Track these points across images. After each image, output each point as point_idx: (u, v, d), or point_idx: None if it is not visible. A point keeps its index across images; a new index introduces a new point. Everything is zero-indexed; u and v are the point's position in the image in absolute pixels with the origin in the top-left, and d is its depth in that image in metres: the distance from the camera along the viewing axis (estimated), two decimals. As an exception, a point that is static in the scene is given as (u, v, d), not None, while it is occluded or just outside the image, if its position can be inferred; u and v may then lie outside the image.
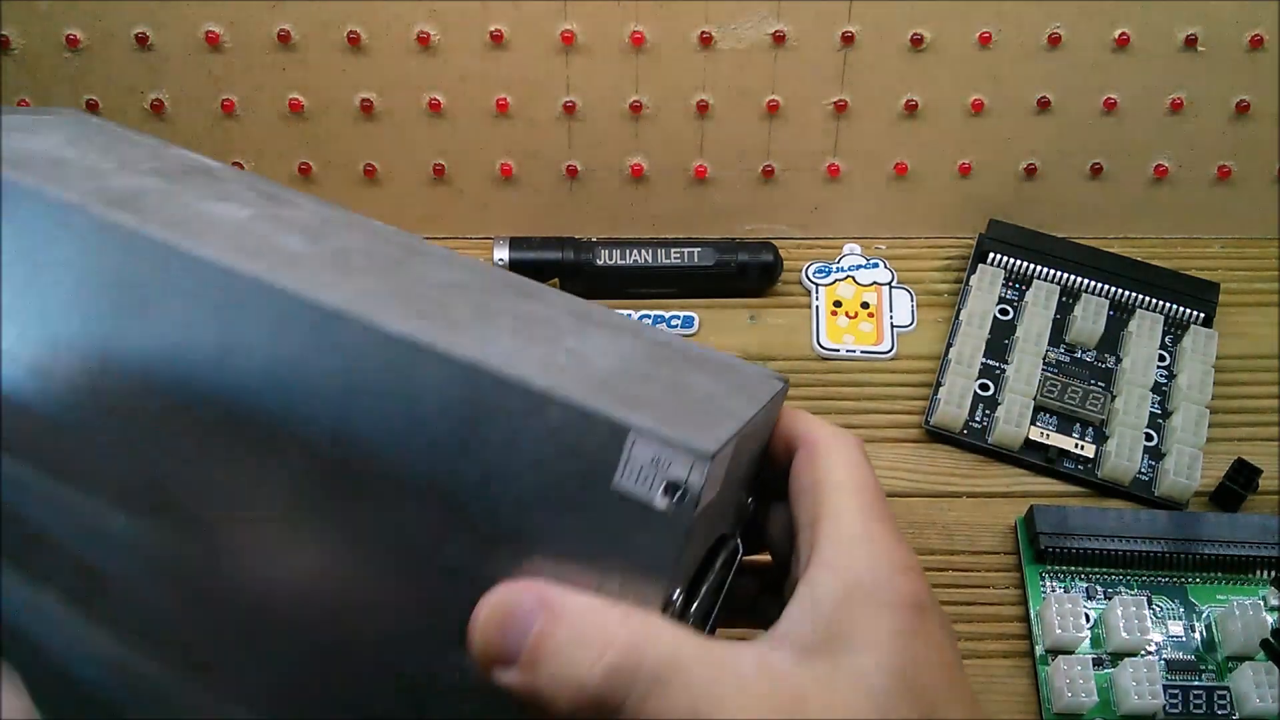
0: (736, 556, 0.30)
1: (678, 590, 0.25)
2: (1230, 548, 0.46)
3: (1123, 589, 0.46)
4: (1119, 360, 0.53)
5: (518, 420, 0.25)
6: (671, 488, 0.24)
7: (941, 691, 0.25)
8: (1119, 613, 0.44)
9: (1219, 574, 0.46)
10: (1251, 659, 0.44)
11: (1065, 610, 0.44)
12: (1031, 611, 0.45)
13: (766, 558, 0.33)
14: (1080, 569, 0.46)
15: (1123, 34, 0.53)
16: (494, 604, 0.24)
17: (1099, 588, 0.46)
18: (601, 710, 0.23)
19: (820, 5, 0.52)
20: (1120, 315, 0.54)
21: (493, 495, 0.25)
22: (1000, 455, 0.51)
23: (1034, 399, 0.51)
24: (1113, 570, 0.46)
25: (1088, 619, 0.44)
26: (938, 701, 0.25)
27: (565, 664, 0.23)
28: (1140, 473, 0.49)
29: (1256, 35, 0.53)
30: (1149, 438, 0.50)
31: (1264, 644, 0.43)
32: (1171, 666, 0.44)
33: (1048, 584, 0.46)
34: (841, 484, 0.28)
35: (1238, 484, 0.48)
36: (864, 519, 0.27)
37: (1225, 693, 0.43)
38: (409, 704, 0.26)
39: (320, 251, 0.29)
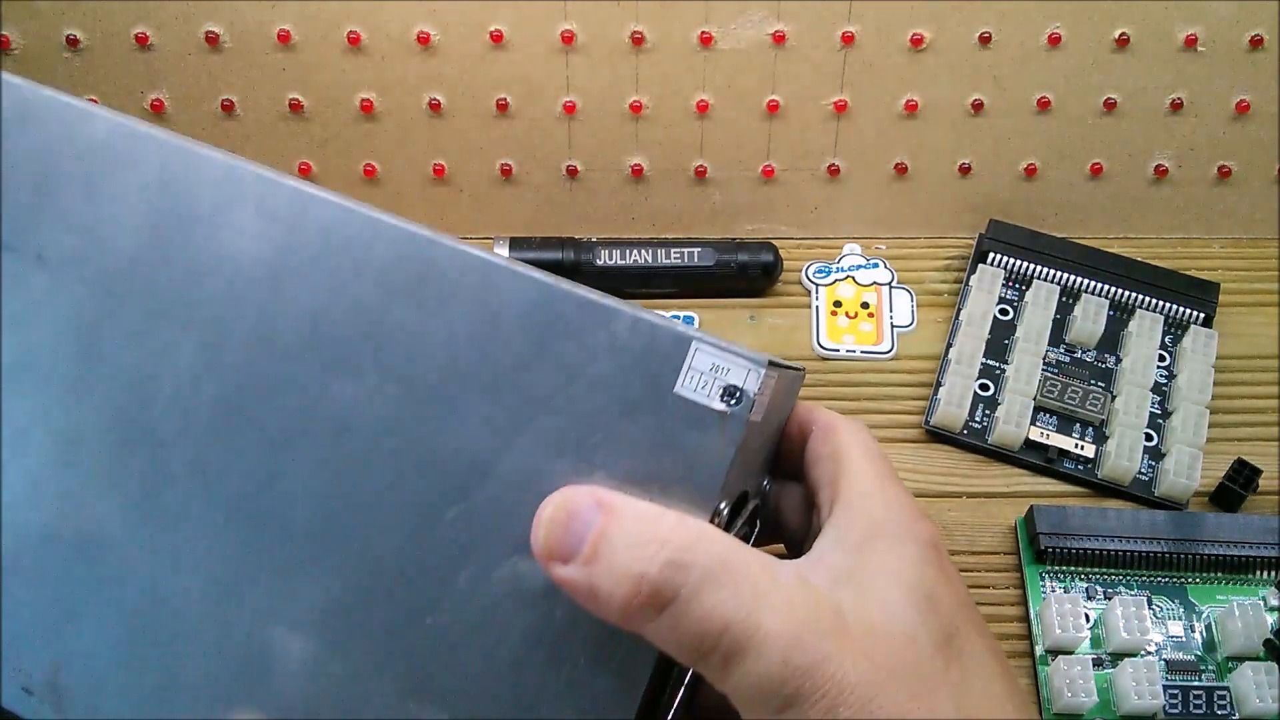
0: (758, 518, 0.31)
1: (725, 502, 0.27)
2: (1230, 548, 0.46)
3: (1122, 589, 0.46)
4: (1119, 360, 0.53)
5: (589, 332, 0.27)
6: (729, 392, 0.27)
7: (960, 616, 0.27)
8: (1119, 613, 0.44)
9: (1219, 574, 0.46)
10: (1252, 659, 0.44)
11: (1065, 610, 0.44)
12: (1031, 611, 0.45)
13: (779, 547, 0.34)
14: (1080, 569, 0.46)
15: (1123, 34, 0.53)
16: (557, 504, 0.26)
17: (1099, 588, 0.46)
18: (655, 601, 0.24)
19: (820, 5, 0.52)
20: (1120, 315, 0.54)
21: (561, 403, 0.27)
22: (1000, 455, 0.51)
23: (1034, 399, 0.51)
24: (1113, 570, 0.46)
25: (1088, 619, 0.44)
26: (958, 624, 0.27)
27: (624, 559, 0.25)
28: (1140, 473, 0.49)
29: (1256, 35, 0.53)
30: (1149, 438, 0.50)
31: (1266, 644, 0.43)
32: (1171, 667, 0.44)
33: (1048, 584, 0.46)
34: (856, 451, 0.30)
35: (1238, 484, 0.48)
36: (879, 477, 0.30)
37: (1225, 693, 0.43)
38: (465, 613, 0.28)
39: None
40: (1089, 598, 0.46)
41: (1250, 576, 0.46)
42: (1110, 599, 0.45)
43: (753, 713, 0.25)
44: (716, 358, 0.27)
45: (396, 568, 0.28)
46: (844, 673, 0.24)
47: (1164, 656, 0.44)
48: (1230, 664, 0.44)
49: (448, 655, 0.28)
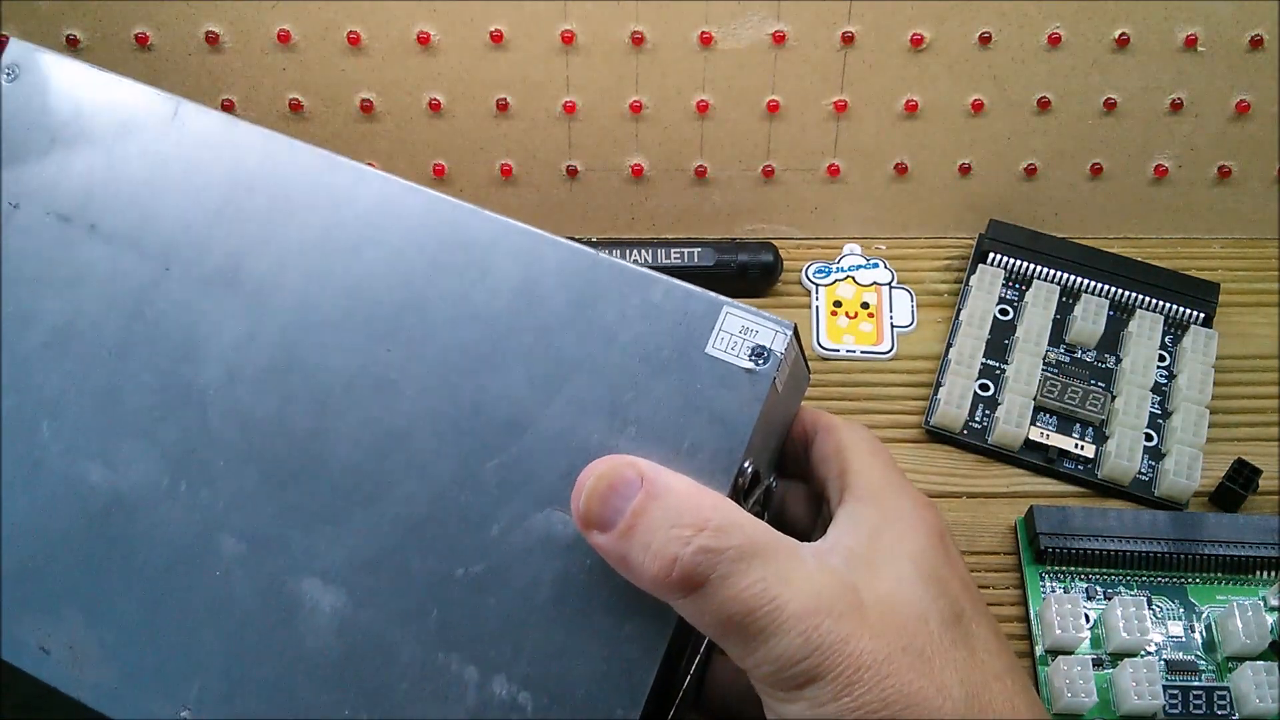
0: (767, 506, 0.33)
1: (749, 461, 0.28)
2: (1230, 548, 0.46)
3: (1122, 589, 0.46)
4: (1119, 360, 0.53)
5: (626, 297, 0.29)
6: (757, 351, 0.29)
7: (965, 598, 0.28)
8: (1119, 613, 0.44)
9: (1219, 574, 0.46)
10: (1251, 659, 0.43)
11: (1065, 610, 0.44)
12: (1031, 612, 0.45)
13: None
14: (1080, 569, 0.46)
15: (1123, 34, 0.53)
16: (600, 474, 0.27)
17: (1099, 588, 0.46)
18: (686, 582, 0.26)
19: (820, 5, 0.52)
20: (1120, 315, 0.54)
21: (597, 363, 0.29)
22: (1000, 455, 0.51)
23: (1034, 399, 0.51)
24: (1112, 570, 0.46)
25: (1087, 619, 0.44)
26: (964, 605, 0.28)
27: (660, 538, 0.26)
28: (1140, 473, 0.49)
29: (1256, 35, 0.53)
30: (1149, 438, 0.50)
31: (1272, 646, 0.43)
32: (1171, 667, 0.44)
33: (1047, 584, 0.46)
34: (861, 446, 0.32)
35: (1238, 484, 0.48)
36: (885, 469, 0.31)
37: (1225, 693, 0.43)
38: (496, 563, 0.29)
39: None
40: (1089, 598, 0.46)
41: (1250, 577, 0.46)
42: (1110, 599, 0.45)
43: (772, 689, 0.26)
44: (746, 320, 0.29)
45: (430, 520, 0.29)
46: (860, 651, 0.25)
47: (1164, 656, 0.44)
48: (1230, 664, 0.44)
49: (477, 605, 0.29)
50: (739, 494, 0.28)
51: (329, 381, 0.31)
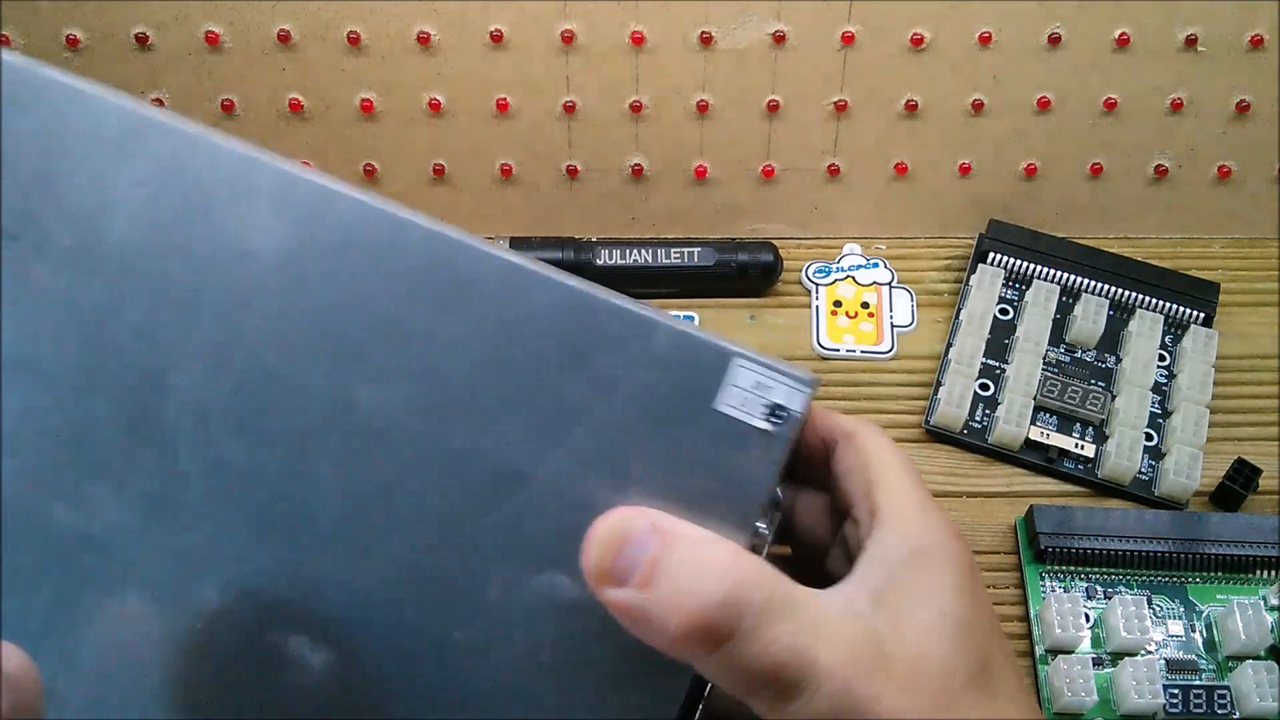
0: (777, 522, 0.31)
1: (764, 522, 0.27)
2: (1230, 547, 0.46)
3: (1123, 589, 0.46)
4: (1119, 360, 0.53)
5: (627, 344, 0.27)
6: (773, 410, 0.27)
7: (992, 645, 0.27)
8: (1119, 612, 0.44)
9: (1219, 574, 0.46)
10: (1252, 659, 0.43)
11: (1065, 610, 0.44)
12: (1031, 611, 0.45)
13: (785, 549, 0.34)
14: (1080, 569, 0.46)
15: (1123, 34, 0.53)
16: (611, 526, 0.26)
17: (1099, 587, 0.46)
18: (711, 636, 0.24)
19: (820, 5, 0.52)
20: (1120, 315, 0.54)
21: (597, 415, 0.27)
22: (1000, 455, 0.51)
23: (1034, 399, 0.51)
24: (1113, 570, 0.46)
25: (1087, 619, 0.44)
26: (990, 653, 0.27)
27: (681, 589, 0.24)
28: (1140, 473, 0.49)
29: (1256, 35, 0.53)
30: (1149, 438, 0.50)
31: (1272, 651, 0.43)
32: (1172, 666, 0.44)
33: (1047, 584, 0.46)
34: (889, 461, 0.30)
35: (1238, 484, 0.48)
36: (914, 490, 0.30)
37: (1225, 692, 0.43)
38: (495, 626, 0.27)
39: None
40: (1089, 597, 0.46)
41: (1250, 576, 0.46)
42: (1110, 598, 0.45)
43: None
44: (759, 375, 0.27)
45: (424, 578, 0.27)
46: (891, 709, 0.24)
47: (1164, 656, 0.44)
48: (1230, 663, 0.44)
49: (474, 670, 0.27)
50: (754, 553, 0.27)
51: (304, 423, 0.28)
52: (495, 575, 0.27)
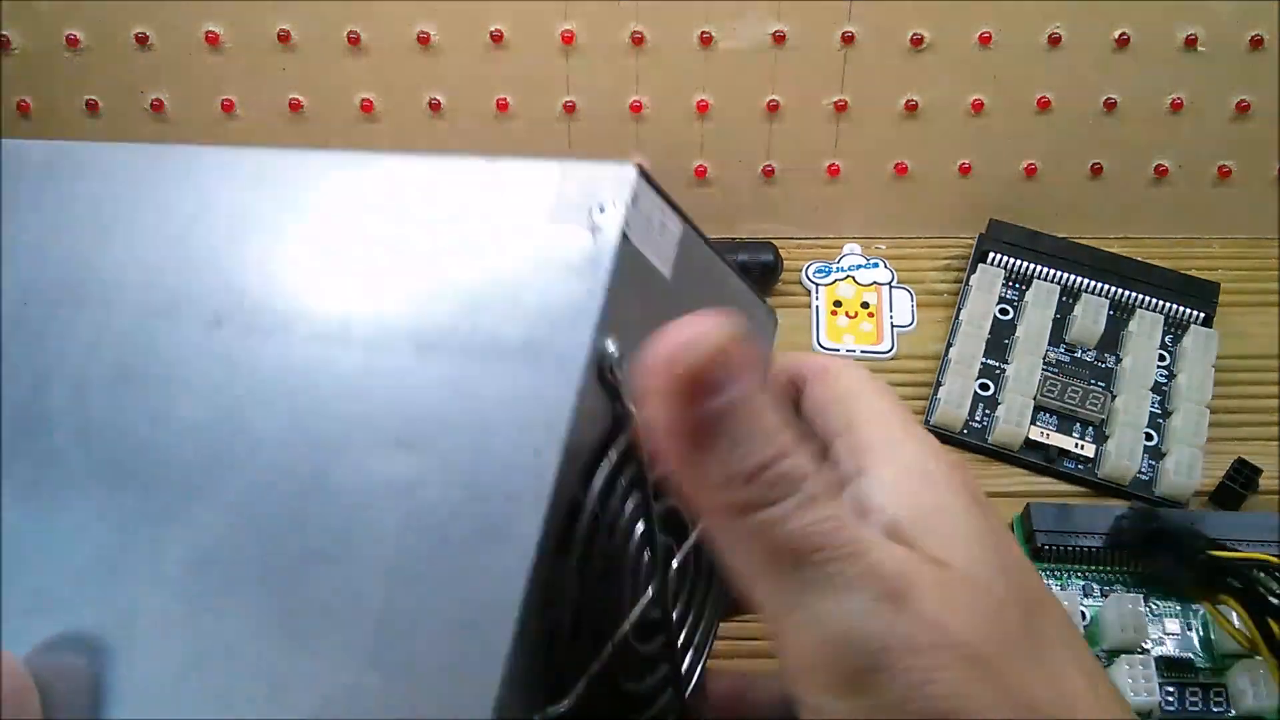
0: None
1: (611, 340, 0.23)
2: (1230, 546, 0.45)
3: (1119, 587, 0.46)
4: (1119, 360, 0.53)
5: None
6: (596, 209, 0.23)
7: (1032, 580, 0.24)
8: (1115, 611, 0.44)
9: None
10: (1247, 657, 0.43)
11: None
12: (1031, 611, 0.45)
13: None
14: (1077, 567, 0.46)
15: (1123, 34, 0.53)
16: (711, 334, 0.21)
17: (1095, 585, 0.46)
18: (760, 497, 0.21)
19: (820, 5, 0.52)
20: (1120, 315, 0.54)
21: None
22: (1000, 455, 0.51)
23: (1034, 399, 0.51)
24: (1110, 568, 0.46)
25: (1084, 616, 0.44)
26: (1034, 589, 0.24)
27: (757, 439, 0.21)
28: (1140, 472, 0.49)
29: (1256, 35, 0.53)
30: (1149, 437, 0.50)
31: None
32: (1168, 664, 0.44)
33: (1045, 582, 0.46)
34: (868, 392, 0.27)
35: (1238, 484, 0.48)
36: (903, 418, 0.27)
37: (1222, 690, 0.43)
38: (336, 523, 0.25)
39: None
40: (1086, 595, 0.46)
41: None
42: (1107, 597, 0.45)
43: (811, 681, 0.21)
44: (577, 181, 0.24)
45: (266, 499, 0.25)
46: (943, 639, 0.21)
47: (1161, 654, 0.44)
48: (1226, 662, 0.44)
49: (317, 580, 0.24)
50: (611, 384, 0.23)
51: (164, 372, 0.27)
52: (335, 466, 0.25)
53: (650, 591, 0.25)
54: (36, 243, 0.30)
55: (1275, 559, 0.42)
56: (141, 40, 0.52)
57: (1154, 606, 0.45)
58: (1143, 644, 0.44)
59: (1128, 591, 0.46)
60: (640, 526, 0.25)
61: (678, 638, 0.27)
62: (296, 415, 0.25)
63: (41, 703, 0.25)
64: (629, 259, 0.23)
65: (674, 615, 0.27)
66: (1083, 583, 0.46)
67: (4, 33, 0.52)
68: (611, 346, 0.23)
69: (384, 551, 0.23)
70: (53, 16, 0.52)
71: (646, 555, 0.25)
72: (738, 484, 0.21)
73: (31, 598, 0.27)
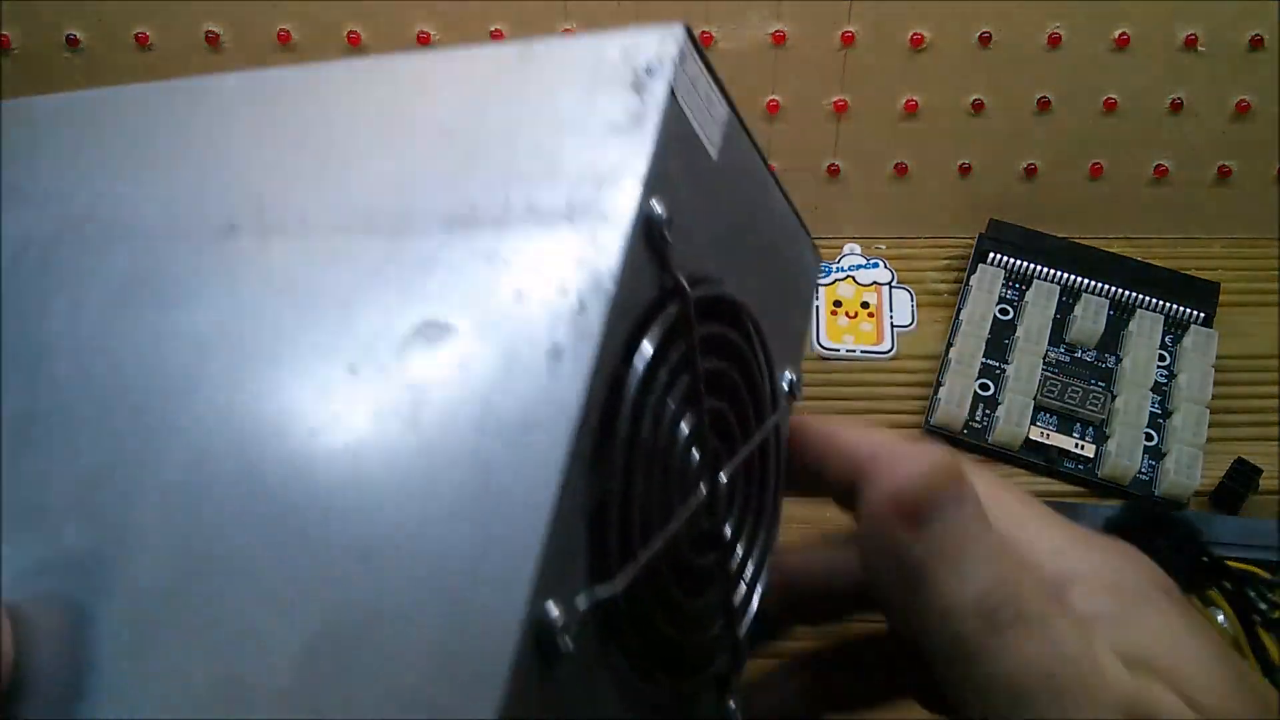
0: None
1: (658, 201, 0.22)
2: (1226, 550, 0.45)
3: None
4: (1119, 360, 0.53)
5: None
6: (645, 69, 0.22)
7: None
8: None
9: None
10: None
11: None
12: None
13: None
14: None
15: (1123, 34, 0.53)
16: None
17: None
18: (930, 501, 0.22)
19: (820, 5, 0.52)
20: (1120, 315, 0.54)
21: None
22: (1000, 455, 0.51)
23: (1034, 399, 0.51)
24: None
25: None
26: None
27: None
28: (1140, 473, 0.49)
29: (1256, 35, 0.53)
30: (1149, 437, 0.50)
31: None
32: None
33: None
34: (997, 499, 0.25)
35: (1238, 484, 0.48)
36: (1054, 519, 0.25)
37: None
38: None
39: None
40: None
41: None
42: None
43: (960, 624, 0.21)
44: (620, 45, 0.23)
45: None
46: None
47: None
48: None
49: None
50: (658, 249, 0.22)
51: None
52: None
53: (702, 490, 0.24)
54: (56, 189, 0.29)
55: (1267, 575, 0.43)
56: (141, 40, 0.52)
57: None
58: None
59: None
60: (688, 418, 0.24)
61: (730, 557, 0.27)
62: (312, 311, 0.23)
63: (21, 636, 0.23)
64: (676, 121, 0.23)
65: (726, 532, 0.26)
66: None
67: (4, 32, 0.52)
68: (660, 208, 0.22)
69: (414, 440, 0.21)
70: (53, 16, 0.51)
71: (696, 455, 0.24)
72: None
73: (20, 516, 0.25)
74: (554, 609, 0.19)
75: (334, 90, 0.27)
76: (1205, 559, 0.43)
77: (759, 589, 0.28)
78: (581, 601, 0.20)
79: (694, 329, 0.23)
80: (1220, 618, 0.42)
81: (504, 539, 0.19)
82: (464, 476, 0.20)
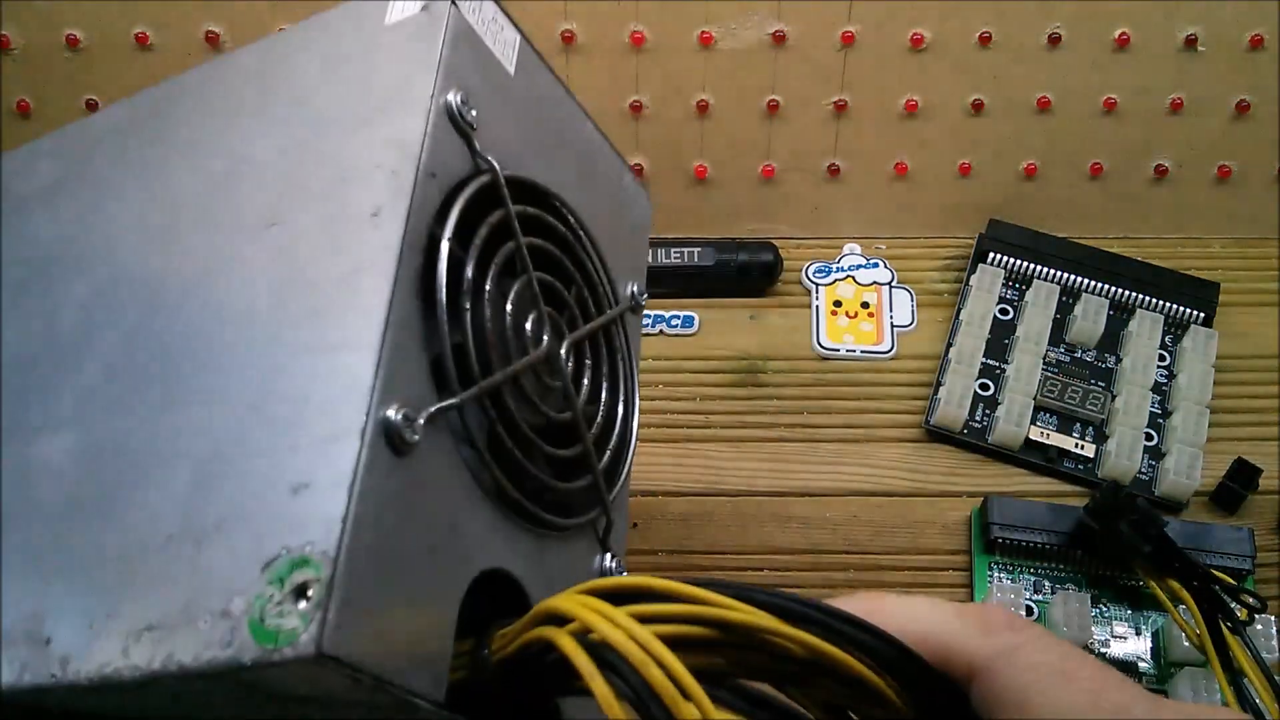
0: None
1: (457, 93, 0.27)
2: (1207, 558, 0.45)
3: (1071, 586, 0.46)
4: (1119, 360, 0.53)
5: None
6: None
7: None
8: (1061, 609, 0.44)
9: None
10: (1193, 665, 0.43)
11: (1007, 600, 0.45)
12: (977, 599, 0.46)
13: None
14: (1030, 562, 0.47)
15: (1123, 34, 0.53)
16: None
17: (1046, 583, 0.46)
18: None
19: (820, 5, 0.52)
20: (1120, 315, 0.54)
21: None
22: (1000, 455, 0.51)
23: (1034, 399, 0.51)
24: (1063, 567, 0.46)
25: (1030, 611, 0.45)
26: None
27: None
28: (1140, 472, 0.49)
29: (1256, 35, 0.53)
30: (1149, 437, 0.50)
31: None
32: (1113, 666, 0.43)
33: (995, 574, 0.46)
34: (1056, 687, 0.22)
35: (1238, 484, 0.48)
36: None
37: (1163, 695, 0.42)
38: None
39: None
40: (1035, 591, 0.46)
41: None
42: (1055, 594, 0.45)
43: None
44: None
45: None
46: None
47: (1106, 657, 0.44)
48: (1171, 669, 0.44)
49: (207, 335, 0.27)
50: (463, 133, 0.27)
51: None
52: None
53: (544, 344, 0.29)
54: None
55: (1232, 581, 0.43)
56: (141, 40, 0.52)
57: (1104, 609, 0.45)
58: (1087, 642, 0.44)
59: (1079, 591, 0.45)
60: (518, 283, 0.29)
61: (589, 424, 0.31)
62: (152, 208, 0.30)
63: None
64: (462, 30, 0.28)
65: (576, 395, 0.31)
66: (1033, 578, 0.46)
67: (4, 32, 0.52)
68: (455, 97, 0.27)
69: (263, 303, 0.26)
70: (53, 16, 0.51)
71: (531, 323, 0.29)
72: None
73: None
74: (395, 412, 0.23)
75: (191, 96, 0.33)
76: (1161, 539, 0.43)
77: (624, 464, 0.33)
78: (426, 403, 0.24)
79: (508, 202, 0.28)
80: (1183, 612, 0.42)
81: (349, 364, 0.23)
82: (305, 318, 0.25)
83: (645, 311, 0.55)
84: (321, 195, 0.26)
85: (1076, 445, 0.50)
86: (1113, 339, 0.53)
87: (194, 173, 0.30)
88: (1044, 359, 0.52)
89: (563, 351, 0.30)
